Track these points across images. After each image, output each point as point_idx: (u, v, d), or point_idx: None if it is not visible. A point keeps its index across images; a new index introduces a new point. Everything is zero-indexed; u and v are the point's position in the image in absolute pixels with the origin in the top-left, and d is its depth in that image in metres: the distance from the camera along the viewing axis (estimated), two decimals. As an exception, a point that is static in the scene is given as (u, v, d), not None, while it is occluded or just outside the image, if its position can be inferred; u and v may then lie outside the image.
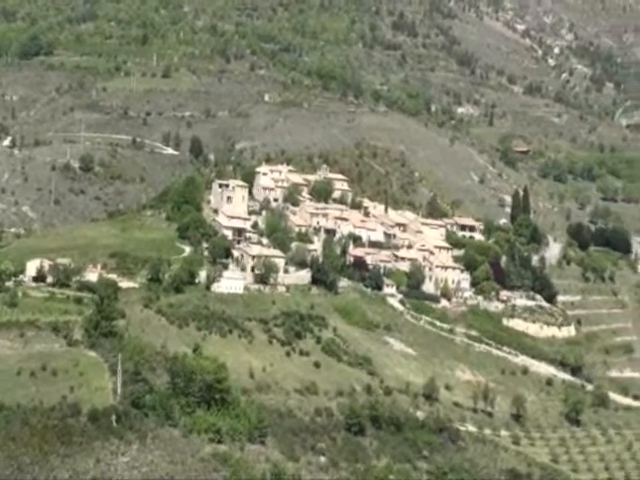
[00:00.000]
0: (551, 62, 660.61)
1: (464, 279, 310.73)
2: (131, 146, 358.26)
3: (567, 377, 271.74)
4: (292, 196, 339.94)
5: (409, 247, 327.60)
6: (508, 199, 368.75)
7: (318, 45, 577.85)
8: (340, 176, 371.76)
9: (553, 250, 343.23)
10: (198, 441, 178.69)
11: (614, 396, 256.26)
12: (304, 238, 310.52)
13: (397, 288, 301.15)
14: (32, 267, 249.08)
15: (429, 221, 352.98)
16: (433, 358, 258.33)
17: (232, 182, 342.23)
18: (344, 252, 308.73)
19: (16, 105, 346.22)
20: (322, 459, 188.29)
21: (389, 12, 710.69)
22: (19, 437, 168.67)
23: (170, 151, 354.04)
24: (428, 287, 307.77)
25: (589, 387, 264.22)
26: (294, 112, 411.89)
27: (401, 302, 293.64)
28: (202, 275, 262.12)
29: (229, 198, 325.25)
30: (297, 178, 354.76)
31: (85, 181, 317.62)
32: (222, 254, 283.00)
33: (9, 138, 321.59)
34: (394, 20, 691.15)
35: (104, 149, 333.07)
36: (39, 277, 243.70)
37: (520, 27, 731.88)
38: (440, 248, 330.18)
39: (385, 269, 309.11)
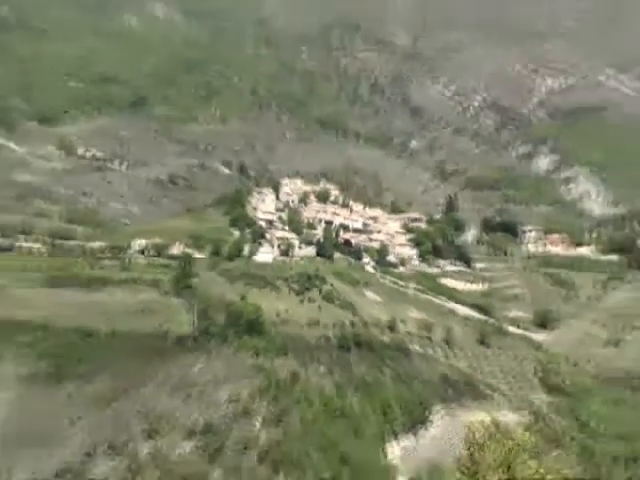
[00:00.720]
0: (472, 112, 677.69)
1: (414, 253, 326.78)
2: (200, 168, 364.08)
3: (480, 316, 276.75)
4: (303, 199, 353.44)
5: (378, 232, 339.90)
6: (442, 202, 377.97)
7: (319, 101, 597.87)
8: (334, 187, 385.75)
9: (470, 235, 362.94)
10: (244, 357, 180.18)
11: (509, 328, 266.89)
12: (311, 227, 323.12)
13: (371, 259, 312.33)
14: (137, 244, 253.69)
15: (392, 216, 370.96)
16: (394, 304, 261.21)
17: (265, 190, 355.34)
18: (337, 235, 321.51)
19: (128, 141, 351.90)
20: (322, 368, 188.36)
21: (367, 78, 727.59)
22: (129, 352, 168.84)
23: (226, 171, 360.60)
24: (391, 258, 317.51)
25: (494, 322, 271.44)
26: (305, 145, 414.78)
27: (374, 268, 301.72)
28: (246, 250, 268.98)
29: (263, 200, 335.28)
30: (307, 188, 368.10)
31: (171, 190, 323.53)
32: (259, 236, 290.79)
33: (125, 162, 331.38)
34: (371, 84, 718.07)
35: (184, 169, 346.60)
36: (142, 251, 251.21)
37: (452, 87, 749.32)
38: (398, 233, 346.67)
39: (363, 247, 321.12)
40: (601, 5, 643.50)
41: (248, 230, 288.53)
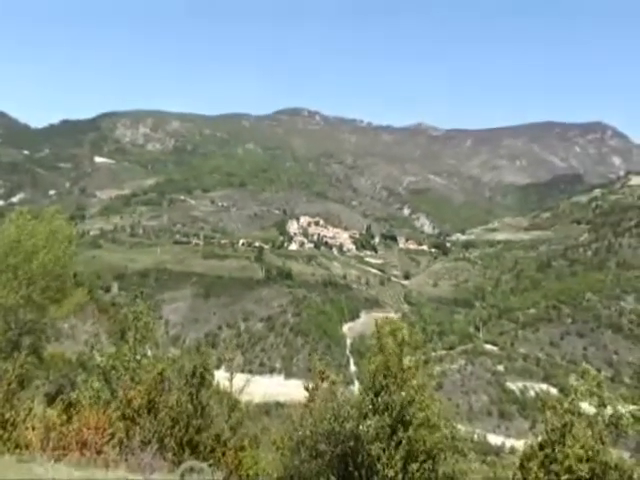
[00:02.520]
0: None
1: (353, 247, 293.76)
2: (268, 211, 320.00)
3: (380, 273, 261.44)
4: (308, 225, 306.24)
5: (338, 238, 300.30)
6: (365, 225, 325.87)
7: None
8: (321, 219, 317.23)
9: (377, 239, 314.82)
10: (284, 288, 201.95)
11: (392, 278, 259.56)
12: (311, 236, 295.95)
13: (336, 249, 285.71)
14: (241, 241, 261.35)
15: (344, 232, 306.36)
16: (346, 267, 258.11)
17: (293, 220, 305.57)
18: (322, 239, 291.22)
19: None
20: (318, 297, 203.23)
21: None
22: (238, 284, 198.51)
23: (276, 212, 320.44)
24: (343, 249, 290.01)
25: (387, 276, 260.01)
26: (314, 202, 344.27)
27: (337, 253, 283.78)
28: (285, 244, 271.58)
29: (292, 225, 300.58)
30: (310, 220, 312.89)
31: (255, 218, 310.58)
32: (289, 239, 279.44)
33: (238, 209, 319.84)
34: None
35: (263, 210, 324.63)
36: (242, 243, 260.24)
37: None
38: (347, 239, 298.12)
39: (333, 244, 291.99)
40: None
41: (286, 236, 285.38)
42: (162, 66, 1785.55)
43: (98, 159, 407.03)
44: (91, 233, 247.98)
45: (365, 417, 12.71)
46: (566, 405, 10.22)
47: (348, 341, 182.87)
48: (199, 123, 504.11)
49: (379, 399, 12.88)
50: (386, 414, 12.54)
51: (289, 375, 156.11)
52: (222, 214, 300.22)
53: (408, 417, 12.59)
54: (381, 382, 13.17)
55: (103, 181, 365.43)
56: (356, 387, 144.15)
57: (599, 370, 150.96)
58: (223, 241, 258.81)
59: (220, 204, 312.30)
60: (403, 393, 12.91)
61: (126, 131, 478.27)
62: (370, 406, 12.89)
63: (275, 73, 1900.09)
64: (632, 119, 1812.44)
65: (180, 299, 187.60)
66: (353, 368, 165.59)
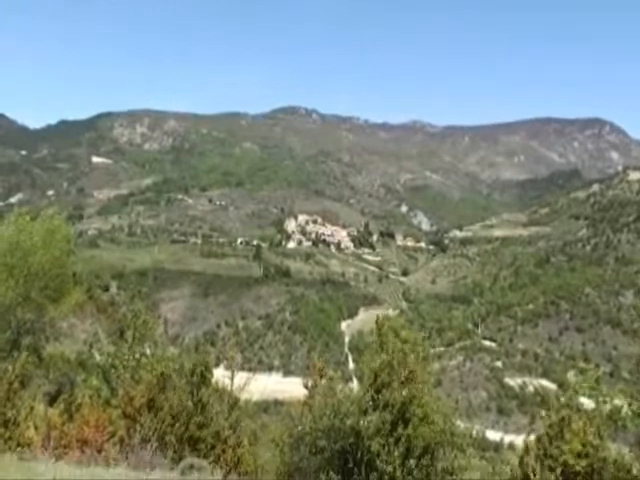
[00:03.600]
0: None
1: (351, 245, 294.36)
2: (266, 210, 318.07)
3: (378, 270, 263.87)
4: (307, 223, 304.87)
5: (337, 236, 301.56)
6: (363, 223, 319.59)
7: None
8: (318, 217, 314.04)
9: (375, 236, 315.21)
10: (282, 286, 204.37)
11: (391, 275, 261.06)
12: (309, 234, 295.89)
13: (334, 247, 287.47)
14: (239, 239, 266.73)
15: (342, 229, 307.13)
16: (344, 265, 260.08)
17: (291, 218, 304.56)
18: (320, 237, 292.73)
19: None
20: (315, 295, 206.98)
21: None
22: (237, 283, 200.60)
23: (274, 211, 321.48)
24: (342, 246, 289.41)
25: (384, 272, 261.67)
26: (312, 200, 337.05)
27: (335, 251, 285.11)
28: (283, 242, 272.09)
29: (290, 223, 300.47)
30: (308, 218, 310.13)
31: (253, 217, 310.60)
32: (287, 237, 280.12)
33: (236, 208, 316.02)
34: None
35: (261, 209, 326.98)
36: (241, 242, 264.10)
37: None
38: (345, 237, 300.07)
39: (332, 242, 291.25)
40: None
41: (284, 234, 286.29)
42: (159, 65, 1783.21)
43: (95, 159, 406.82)
44: (89, 233, 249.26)
45: (365, 413, 12.61)
46: (564, 400, 10.08)
47: (346, 338, 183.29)
48: (196, 122, 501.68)
49: (380, 396, 12.84)
50: (387, 410, 12.49)
51: (287, 373, 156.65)
52: (220, 213, 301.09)
53: (408, 414, 12.53)
54: (384, 379, 13.16)
55: (101, 181, 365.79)
56: (355, 384, 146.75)
57: (598, 365, 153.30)
58: (221, 240, 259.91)
59: (218, 203, 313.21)
60: (405, 390, 12.90)
61: (123, 131, 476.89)
62: (371, 402, 12.81)
63: (272, 72, 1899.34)
64: (630, 114, 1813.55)
65: (178, 298, 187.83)
66: (352, 365, 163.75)
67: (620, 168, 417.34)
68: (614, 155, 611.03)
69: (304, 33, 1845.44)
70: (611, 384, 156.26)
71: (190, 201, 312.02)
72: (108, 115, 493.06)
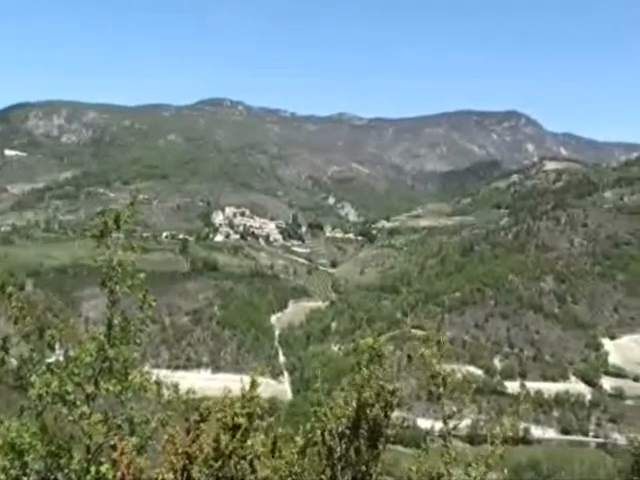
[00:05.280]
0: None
1: (280, 237, 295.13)
2: (192, 203, 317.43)
3: (308, 262, 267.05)
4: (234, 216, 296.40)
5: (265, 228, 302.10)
6: (291, 215, 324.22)
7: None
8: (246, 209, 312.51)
9: (304, 228, 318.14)
10: (210, 280, 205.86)
11: (320, 267, 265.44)
12: (237, 227, 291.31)
13: (263, 239, 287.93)
14: (164, 233, 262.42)
15: (270, 222, 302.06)
16: (273, 257, 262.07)
17: (219, 211, 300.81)
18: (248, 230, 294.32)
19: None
20: (245, 289, 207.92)
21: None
22: (164, 278, 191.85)
23: (200, 203, 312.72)
24: (270, 238, 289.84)
25: (314, 265, 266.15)
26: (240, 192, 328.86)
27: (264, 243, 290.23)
28: (210, 235, 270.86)
29: (217, 216, 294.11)
30: (236, 210, 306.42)
31: (178, 211, 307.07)
32: (215, 230, 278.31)
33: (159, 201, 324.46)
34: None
35: (187, 202, 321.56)
36: (166, 236, 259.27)
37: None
38: (273, 229, 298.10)
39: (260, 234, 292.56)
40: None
41: (211, 227, 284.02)
42: (78, 56, 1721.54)
43: (8, 152, 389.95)
44: (2, 229, 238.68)
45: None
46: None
47: (276, 332, 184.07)
48: (117, 114, 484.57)
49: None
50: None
51: (217, 369, 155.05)
52: (144, 207, 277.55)
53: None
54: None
55: (14, 175, 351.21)
56: (286, 378, 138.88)
57: (522, 350, 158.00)
58: (145, 234, 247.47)
59: (141, 197, 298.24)
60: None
61: (39, 122, 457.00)
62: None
63: (196, 63, 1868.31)
64: (543, 107, 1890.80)
65: (100, 295, 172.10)
66: (282, 359, 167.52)
67: (536, 159, 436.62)
68: (530, 147, 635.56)
69: (229, 24, 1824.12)
70: (535, 368, 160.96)
71: (112, 195, 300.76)
72: (22, 106, 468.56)
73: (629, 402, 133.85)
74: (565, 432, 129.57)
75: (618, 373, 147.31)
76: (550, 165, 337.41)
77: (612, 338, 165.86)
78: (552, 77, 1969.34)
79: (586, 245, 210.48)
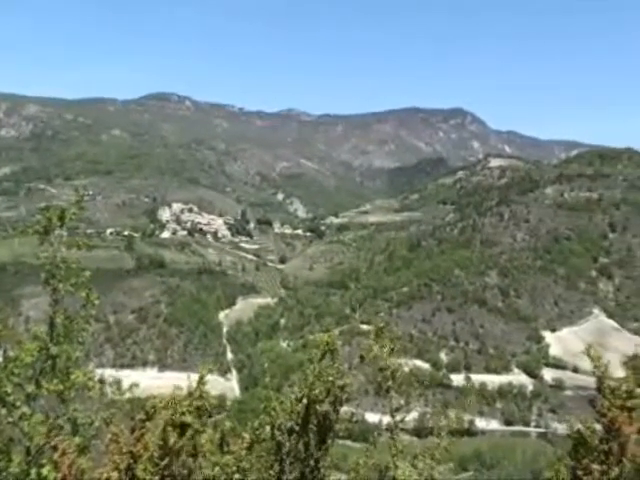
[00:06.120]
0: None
1: (228, 233, 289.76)
2: (137, 198, 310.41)
3: (257, 259, 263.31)
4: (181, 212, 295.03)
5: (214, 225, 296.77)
6: (239, 212, 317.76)
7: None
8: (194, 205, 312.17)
9: (252, 224, 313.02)
10: (157, 277, 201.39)
11: (269, 263, 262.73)
12: (184, 223, 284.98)
13: (211, 235, 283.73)
14: (109, 230, 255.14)
15: (219, 218, 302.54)
16: (221, 253, 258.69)
17: (165, 207, 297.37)
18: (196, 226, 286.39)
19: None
20: (192, 285, 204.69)
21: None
22: (110, 276, 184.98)
23: (146, 200, 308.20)
24: (218, 235, 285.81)
25: (262, 261, 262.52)
26: (187, 188, 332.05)
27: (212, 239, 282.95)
28: (157, 232, 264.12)
29: (164, 212, 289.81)
30: (183, 206, 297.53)
31: (124, 207, 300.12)
32: (161, 227, 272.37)
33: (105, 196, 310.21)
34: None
35: (132, 199, 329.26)
36: (111, 232, 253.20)
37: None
38: (222, 225, 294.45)
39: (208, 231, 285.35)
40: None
41: (157, 224, 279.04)
42: (17, 47, 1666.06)
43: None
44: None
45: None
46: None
47: (225, 329, 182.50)
48: (60, 108, 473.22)
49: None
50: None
51: (163, 367, 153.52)
52: (87, 203, 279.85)
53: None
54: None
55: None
56: (234, 375, 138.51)
57: (467, 343, 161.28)
58: (89, 231, 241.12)
59: (85, 192, 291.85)
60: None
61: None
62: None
63: (143, 57, 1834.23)
64: (488, 106, 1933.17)
65: (42, 294, 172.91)
66: (230, 356, 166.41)
67: (481, 156, 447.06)
68: (475, 144, 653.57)
69: (178, 19, 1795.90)
70: (479, 360, 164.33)
71: (53, 191, 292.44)
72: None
73: (568, 392, 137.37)
74: (508, 423, 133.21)
75: (558, 364, 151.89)
76: (494, 162, 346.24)
77: (553, 331, 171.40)
78: (497, 76, 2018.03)
79: (528, 240, 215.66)
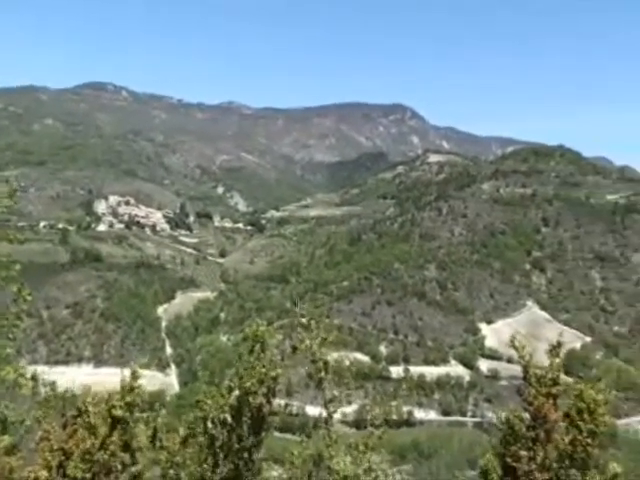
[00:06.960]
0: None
1: (167, 227, 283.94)
2: (72, 190, 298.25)
3: (195, 252, 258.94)
4: (118, 204, 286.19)
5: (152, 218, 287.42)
6: (178, 205, 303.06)
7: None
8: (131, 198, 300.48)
9: (192, 217, 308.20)
10: (93, 272, 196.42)
11: (209, 257, 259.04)
12: (121, 216, 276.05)
13: (149, 229, 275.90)
14: (42, 223, 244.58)
15: (157, 211, 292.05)
16: (159, 247, 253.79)
17: (102, 200, 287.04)
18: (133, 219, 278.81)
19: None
20: (131, 280, 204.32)
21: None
22: (43, 270, 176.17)
23: (81, 192, 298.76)
24: (157, 228, 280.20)
25: (202, 255, 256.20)
26: (123, 181, 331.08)
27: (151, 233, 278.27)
28: (92, 225, 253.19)
29: (100, 204, 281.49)
30: (120, 199, 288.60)
31: (58, 199, 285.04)
32: (97, 219, 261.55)
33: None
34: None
35: (67, 191, 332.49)
36: (44, 225, 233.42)
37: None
38: (160, 218, 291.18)
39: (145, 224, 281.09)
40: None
41: (93, 217, 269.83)
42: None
43: None
44: None
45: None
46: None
47: (163, 323, 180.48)
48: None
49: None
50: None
51: (99, 363, 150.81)
52: (19, 195, 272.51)
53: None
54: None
55: None
56: (173, 370, 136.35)
57: (406, 336, 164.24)
58: (21, 224, 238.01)
59: (16, 184, 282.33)
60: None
61: None
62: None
63: (77, 45, 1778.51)
64: (427, 102, 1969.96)
65: None
66: (169, 351, 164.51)
67: (420, 151, 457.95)
68: (415, 139, 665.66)
69: (113, 6, 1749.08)
70: (418, 352, 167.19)
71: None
72: None
73: (503, 382, 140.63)
74: (445, 413, 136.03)
75: (493, 355, 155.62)
76: (433, 158, 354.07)
77: (488, 322, 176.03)
78: (436, 72, 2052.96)
79: (465, 235, 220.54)
